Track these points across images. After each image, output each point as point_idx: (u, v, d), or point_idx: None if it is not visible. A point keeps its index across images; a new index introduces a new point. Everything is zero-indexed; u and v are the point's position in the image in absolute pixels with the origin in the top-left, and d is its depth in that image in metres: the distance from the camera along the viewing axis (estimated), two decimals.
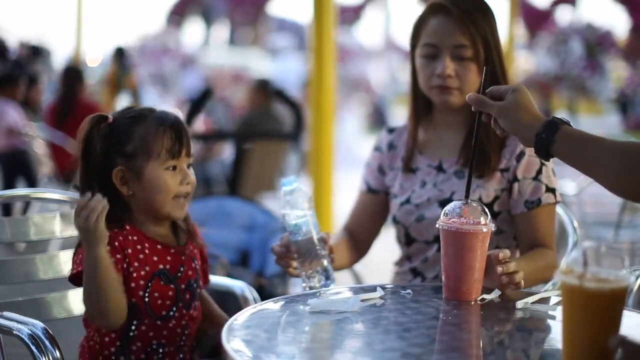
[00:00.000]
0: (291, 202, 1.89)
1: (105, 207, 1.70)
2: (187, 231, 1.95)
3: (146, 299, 1.83)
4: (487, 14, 2.11)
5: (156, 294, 1.84)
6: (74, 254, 1.86)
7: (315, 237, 1.92)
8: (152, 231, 1.88)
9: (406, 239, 2.18)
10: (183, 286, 1.89)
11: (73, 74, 7.05)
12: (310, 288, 1.93)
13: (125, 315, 1.79)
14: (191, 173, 1.89)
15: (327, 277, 1.95)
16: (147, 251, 1.85)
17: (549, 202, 2.09)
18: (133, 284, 1.82)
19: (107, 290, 1.73)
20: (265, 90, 7.00)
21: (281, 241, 1.97)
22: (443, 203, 2.08)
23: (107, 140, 1.85)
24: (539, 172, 2.09)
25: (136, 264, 1.82)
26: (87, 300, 1.76)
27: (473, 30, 2.07)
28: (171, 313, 1.87)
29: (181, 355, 1.90)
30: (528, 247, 2.08)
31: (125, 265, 1.82)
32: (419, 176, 2.20)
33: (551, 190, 2.10)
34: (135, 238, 1.85)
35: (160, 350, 1.86)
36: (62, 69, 8.04)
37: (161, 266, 1.86)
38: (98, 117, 1.87)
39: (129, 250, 1.83)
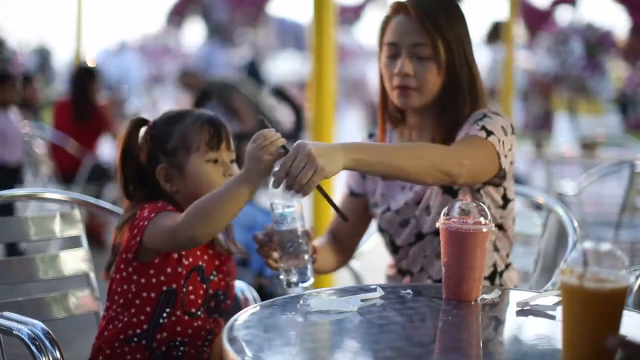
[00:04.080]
0: (277, 193, 1.84)
1: (282, 142, 1.74)
2: (229, 236, 1.98)
3: (184, 290, 1.87)
4: (451, 15, 2.08)
5: (191, 288, 1.88)
6: (128, 228, 1.87)
7: (299, 230, 1.89)
8: None
9: (392, 247, 2.19)
10: (211, 291, 1.92)
11: (86, 74, 6.97)
12: (288, 283, 1.91)
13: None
14: (235, 168, 1.93)
15: (305, 274, 1.91)
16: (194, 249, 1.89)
17: (476, 135, 1.98)
18: (180, 269, 1.85)
19: (227, 218, 1.76)
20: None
21: (264, 230, 1.94)
22: (419, 203, 2.11)
23: (148, 143, 1.92)
24: (480, 119, 2.02)
25: (183, 252, 1.86)
26: (204, 210, 1.73)
27: (432, 29, 2.03)
28: (199, 312, 1.90)
29: None
30: None
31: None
32: (397, 183, 2.17)
33: (487, 131, 1.98)
34: None
35: (181, 348, 1.88)
36: (75, 68, 7.97)
37: (200, 262, 1.89)
38: (138, 120, 1.96)
39: None
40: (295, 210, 1.88)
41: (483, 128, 1.98)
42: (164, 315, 1.86)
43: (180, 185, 1.90)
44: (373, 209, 2.23)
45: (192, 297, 1.88)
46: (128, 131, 1.93)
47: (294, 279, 1.90)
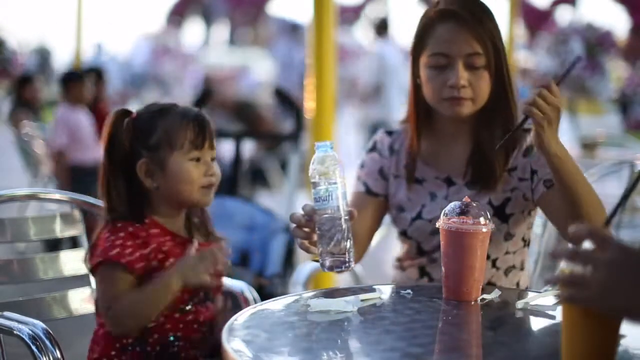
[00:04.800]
0: (321, 171, 1.72)
1: (225, 266, 1.82)
2: (204, 229, 1.96)
3: None
4: (492, 17, 2.00)
5: None
6: (93, 246, 1.87)
7: (343, 209, 1.72)
8: (170, 223, 1.91)
9: (418, 251, 2.12)
10: None
11: (92, 76, 6.95)
12: (329, 267, 1.73)
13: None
14: (215, 166, 1.91)
15: (347, 258, 1.73)
16: (169, 243, 1.88)
17: None
18: (157, 274, 1.84)
19: (156, 312, 1.80)
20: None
21: (304, 209, 1.76)
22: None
23: (131, 134, 1.88)
24: None
25: (160, 255, 1.84)
26: (132, 306, 1.78)
27: (485, 37, 1.95)
28: (187, 308, 1.89)
29: (198, 352, 1.91)
30: (566, 219, 1.82)
31: (148, 259, 1.84)
32: (426, 188, 2.10)
33: None
34: (156, 231, 1.87)
35: (176, 344, 1.88)
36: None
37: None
38: (122, 111, 1.92)
39: (154, 245, 1.84)
40: (339, 187, 1.72)
41: None
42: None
43: (160, 181, 1.87)
44: (396, 212, 2.14)
45: (179, 295, 1.86)
46: (112, 122, 1.89)
47: (335, 263, 1.73)
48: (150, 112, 1.91)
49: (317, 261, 1.76)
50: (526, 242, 2.12)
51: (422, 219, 2.07)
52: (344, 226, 1.72)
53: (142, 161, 1.87)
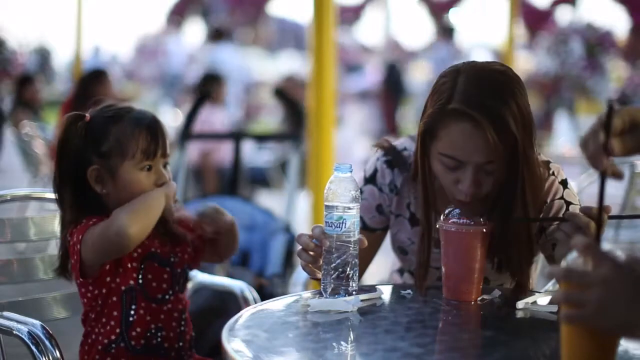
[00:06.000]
0: (338, 193, 1.67)
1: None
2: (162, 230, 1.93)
3: (140, 281, 1.86)
4: (513, 98, 1.72)
5: (150, 276, 1.87)
6: (62, 246, 1.87)
7: (354, 237, 1.69)
8: None
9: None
10: (179, 270, 1.91)
11: (93, 76, 6.94)
12: (329, 294, 1.71)
13: (142, 239, 1.82)
14: (167, 173, 1.89)
15: (350, 287, 1.71)
16: None
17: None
18: (128, 265, 1.84)
19: (154, 209, 1.82)
20: None
21: (313, 231, 1.71)
22: None
23: (83, 139, 1.87)
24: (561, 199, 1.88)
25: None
26: (130, 208, 1.79)
27: (502, 142, 1.71)
28: (167, 297, 1.89)
29: (181, 344, 1.91)
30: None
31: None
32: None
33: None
34: None
35: (159, 334, 1.88)
36: (86, 70, 7.94)
37: (152, 249, 1.87)
38: (75, 115, 1.90)
39: None
40: (354, 215, 1.69)
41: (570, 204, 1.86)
42: (132, 312, 1.86)
43: (110, 188, 1.86)
44: (399, 253, 2.06)
45: (154, 284, 1.87)
46: (65, 126, 1.88)
47: (338, 290, 1.70)
48: (103, 117, 1.89)
49: (318, 279, 1.75)
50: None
51: (430, 266, 1.90)
52: (352, 254, 1.70)
53: (93, 167, 1.86)
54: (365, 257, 2.00)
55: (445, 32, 12.61)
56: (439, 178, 1.82)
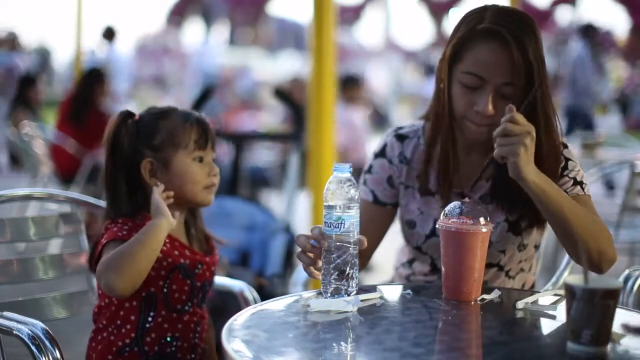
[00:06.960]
0: (337, 194, 1.68)
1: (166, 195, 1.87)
2: (201, 239, 2.00)
3: (165, 290, 1.88)
4: (537, 38, 1.84)
5: (174, 287, 1.89)
6: (97, 243, 1.88)
7: (354, 237, 1.69)
8: None
9: (432, 266, 2.08)
10: (199, 284, 1.93)
11: (92, 76, 6.94)
12: (329, 295, 1.70)
13: (137, 287, 1.78)
14: (216, 167, 1.95)
15: (351, 285, 1.70)
16: (168, 245, 1.88)
17: (577, 194, 1.90)
18: (153, 273, 1.85)
19: (147, 257, 1.76)
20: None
21: (312, 232, 1.71)
22: None
23: (134, 135, 1.92)
24: (565, 167, 1.92)
25: (160, 255, 1.84)
26: (118, 260, 1.75)
27: (526, 68, 1.80)
28: (186, 307, 1.91)
29: (193, 355, 1.93)
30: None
31: None
32: (439, 200, 2.00)
33: (578, 183, 1.91)
34: None
35: (174, 344, 1.89)
36: (86, 70, 7.94)
37: (182, 260, 1.90)
38: (125, 113, 1.95)
39: None
40: (354, 215, 1.69)
41: (575, 182, 1.91)
42: (149, 319, 1.87)
43: (164, 180, 1.90)
44: (407, 227, 2.07)
45: (177, 295, 1.89)
46: (116, 123, 1.92)
47: (338, 290, 1.70)
48: (152, 114, 1.95)
49: (317, 277, 1.75)
50: (537, 247, 2.10)
51: (436, 235, 1.98)
52: (352, 254, 1.70)
53: (147, 160, 1.90)
54: (376, 235, 2.06)
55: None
56: (456, 101, 1.89)
